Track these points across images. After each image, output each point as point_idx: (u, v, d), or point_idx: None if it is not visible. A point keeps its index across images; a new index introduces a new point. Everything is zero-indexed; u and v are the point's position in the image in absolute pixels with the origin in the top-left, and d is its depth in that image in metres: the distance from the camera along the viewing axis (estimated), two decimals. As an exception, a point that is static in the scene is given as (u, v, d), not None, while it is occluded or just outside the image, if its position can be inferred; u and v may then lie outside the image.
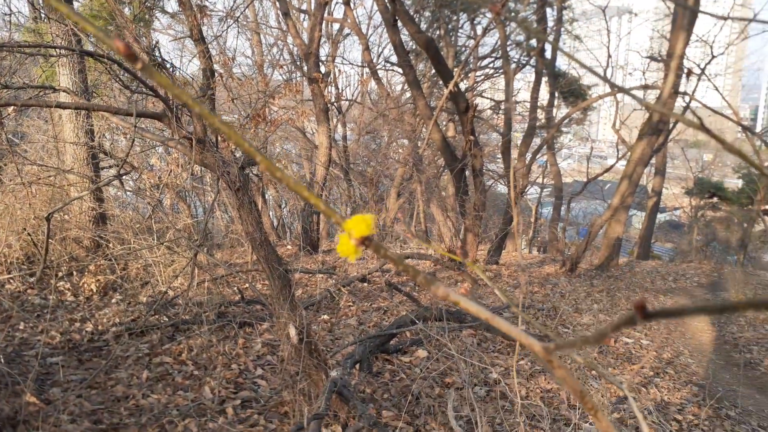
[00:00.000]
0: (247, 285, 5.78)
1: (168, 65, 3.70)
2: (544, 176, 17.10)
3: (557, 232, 14.82)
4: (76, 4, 8.63)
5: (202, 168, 5.62)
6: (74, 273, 6.78)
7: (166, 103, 3.21)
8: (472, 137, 8.86)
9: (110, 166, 8.46)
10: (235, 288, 6.09)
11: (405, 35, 10.08)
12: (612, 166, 13.90)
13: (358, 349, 4.29)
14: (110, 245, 6.79)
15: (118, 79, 3.26)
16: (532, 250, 18.36)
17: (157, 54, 3.49)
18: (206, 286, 5.86)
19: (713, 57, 11.24)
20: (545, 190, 19.30)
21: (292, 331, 3.41)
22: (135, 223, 6.69)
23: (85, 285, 6.42)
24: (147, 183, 7.90)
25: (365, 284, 7.19)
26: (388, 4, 7.46)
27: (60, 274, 6.68)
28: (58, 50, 3.96)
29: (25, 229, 5.94)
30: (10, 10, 7.17)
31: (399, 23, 7.85)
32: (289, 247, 11.20)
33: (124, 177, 8.78)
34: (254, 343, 4.82)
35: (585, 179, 16.04)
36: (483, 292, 8.27)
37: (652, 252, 19.66)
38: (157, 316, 5.51)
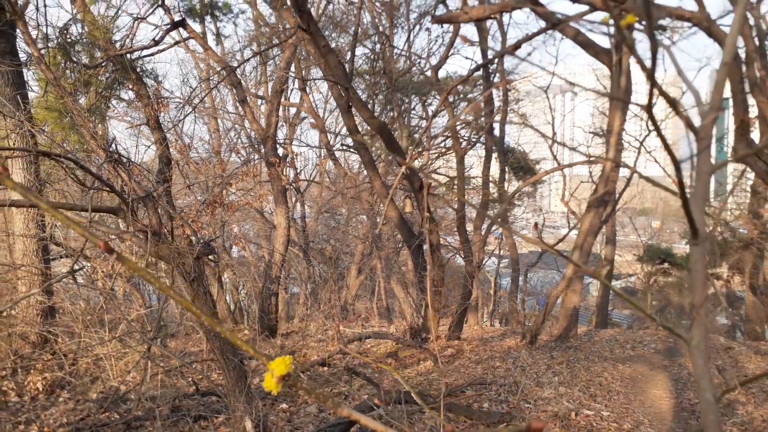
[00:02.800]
0: (201, 376, 5.62)
1: (125, 159, 3.76)
2: (500, 248, 17.45)
3: (516, 303, 14.98)
4: (31, 95, 8.71)
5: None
6: (19, 371, 6.48)
7: (122, 198, 3.24)
8: (427, 214, 9.08)
9: (61, 256, 8.28)
10: (190, 379, 5.91)
11: (360, 118, 10.47)
12: (564, 237, 14.35)
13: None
14: (59, 340, 6.55)
15: (73, 177, 3.29)
16: (494, 322, 18.43)
17: (113, 149, 3.55)
18: (159, 378, 5.67)
19: (649, 132, 12.01)
20: (503, 261, 19.64)
21: (248, 425, 3.33)
22: (86, 315, 6.50)
23: (31, 384, 6.13)
24: (99, 273, 7.74)
25: (325, 368, 7.07)
26: (342, 92, 7.79)
27: (4, 373, 6.37)
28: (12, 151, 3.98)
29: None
30: None
31: (353, 108, 8.18)
32: (246, 332, 10.98)
33: (81, 266, 8.59)
34: (210, 438, 4.64)
35: (540, 250, 16.43)
36: (446, 370, 8.23)
37: (610, 319, 19.98)
38: (107, 414, 5.28)
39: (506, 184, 15.79)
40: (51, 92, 8.15)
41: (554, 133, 13.11)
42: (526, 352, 9.49)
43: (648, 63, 1.02)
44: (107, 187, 3.08)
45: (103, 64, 9.03)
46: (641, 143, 11.39)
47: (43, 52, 6.71)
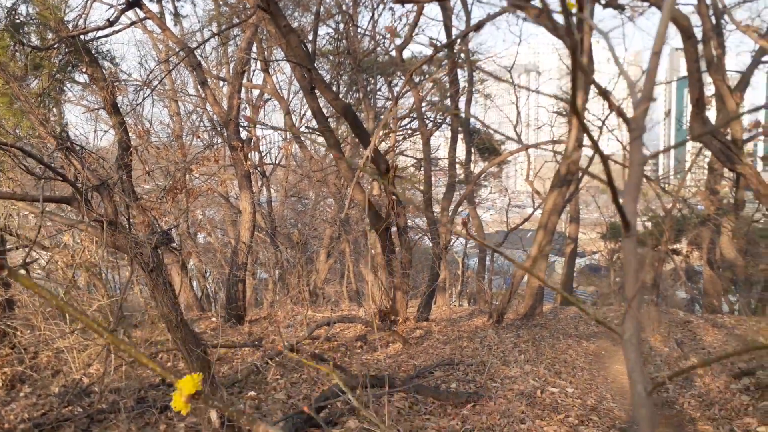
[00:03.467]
0: (169, 364, 5.52)
1: (78, 147, 3.61)
2: (467, 229, 17.60)
3: (483, 283, 15.17)
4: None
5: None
6: (-24, 366, 6.27)
7: (75, 187, 3.12)
8: (394, 196, 9.06)
9: (17, 247, 7.99)
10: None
11: (324, 101, 10.33)
12: (529, 217, 14.55)
13: (287, 426, 4.17)
14: (18, 333, 6.35)
15: (22, 166, 3.14)
16: (462, 302, 18.64)
17: (65, 136, 3.40)
18: (124, 370, 5.56)
19: (611, 111, 12.20)
20: (470, 242, 19.81)
21: (213, 415, 3.29)
22: (44, 307, 6.31)
23: (-11, 379, 5.95)
24: (59, 263, 7.51)
25: (294, 354, 7.03)
26: (304, 73, 7.66)
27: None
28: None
29: None
30: None
31: (317, 90, 8.06)
32: (213, 319, 10.85)
33: (34, 259, 8.31)
34: (177, 428, 4.58)
35: (506, 230, 16.65)
36: (414, 351, 8.29)
37: (575, 296, 20.41)
38: (70, 408, 5.15)
39: (472, 165, 15.88)
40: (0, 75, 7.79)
41: (518, 113, 13.20)
42: (493, 332, 9.63)
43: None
44: (59, 176, 2.95)
45: (55, 46, 8.68)
46: (603, 122, 11.56)
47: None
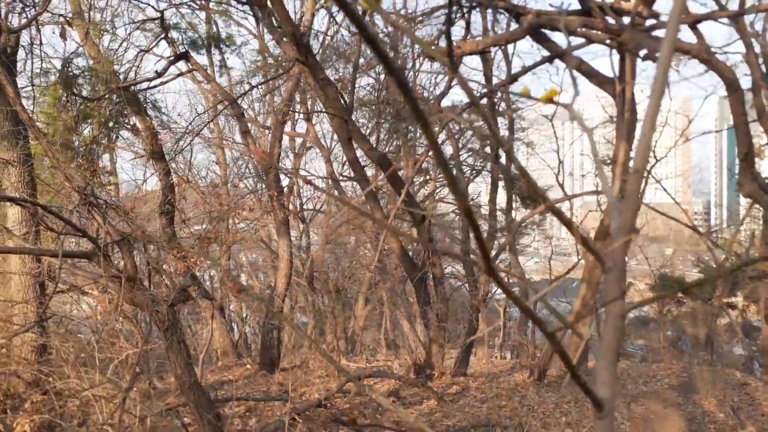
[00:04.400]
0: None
1: (102, 201, 3.65)
2: (509, 278, 17.15)
3: (526, 336, 14.64)
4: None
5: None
6: (8, 411, 6.31)
7: (95, 243, 3.12)
8: (429, 246, 8.90)
9: (58, 292, 8.14)
10: (180, 423, 5.69)
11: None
12: (573, 268, 14.07)
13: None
14: (50, 379, 6.38)
15: (43, 223, 3.18)
16: (505, 354, 18.03)
17: (88, 191, 3.44)
18: (148, 421, 5.47)
19: (657, 160, 11.81)
20: (513, 290, 19.25)
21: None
22: (78, 353, 6.34)
23: (19, 426, 5.95)
24: (99, 308, 7.60)
25: (323, 409, 6.84)
26: (342, 125, 7.70)
27: (-7, 413, 6.21)
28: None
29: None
30: None
31: (354, 141, 8.09)
32: (248, 366, 10.75)
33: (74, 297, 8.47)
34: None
35: (550, 279, 16.12)
36: (449, 410, 7.95)
37: (624, 350, 19.46)
38: (92, 460, 5.08)
39: (513, 213, 15.57)
40: (52, 125, 8.14)
41: (560, 162, 12.94)
42: (533, 390, 9.18)
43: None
44: (79, 232, 2.96)
45: (105, 97, 9.04)
46: (648, 172, 11.17)
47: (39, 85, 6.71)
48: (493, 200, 14.09)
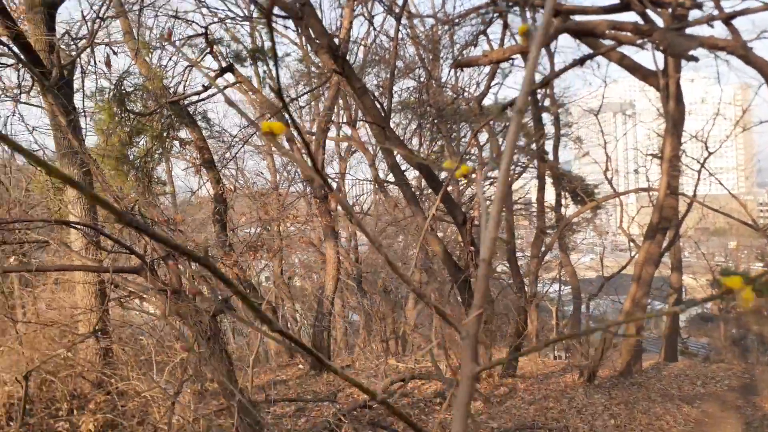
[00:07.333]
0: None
1: (146, 220, 3.90)
2: (560, 275, 16.88)
3: (579, 335, 14.35)
4: (90, 142, 9.22)
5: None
6: (74, 411, 6.74)
7: (142, 259, 3.35)
8: (472, 248, 8.91)
9: (119, 297, 8.62)
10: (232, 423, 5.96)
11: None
12: (626, 265, 13.74)
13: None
14: (112, 381, 6.78)
15: (92, 243, 3.45)
16: (558, 353, 17.72)
17: (135, 211, 3.70)
18: (200, 423, 5.75)
19: (710, 153, 11.39)
20: (564, 288, 18.94)
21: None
22: (138, 356, 6.72)
23: (84, 424, 6.36)
24: (159, 313, 8.01)
25: (366, 410, 6.99)
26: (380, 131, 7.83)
27: (61, 413, 6.64)
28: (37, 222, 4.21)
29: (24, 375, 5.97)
30: (39, 146, 7.78)
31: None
32: (300, 366, 11.05)
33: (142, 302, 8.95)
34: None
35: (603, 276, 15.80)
36: (495, 411, 7.95)
37: (686, 349, 18.80)
38: (150, 459, 5.39)
39: (563, 209, 15.31)
40: (108, 141, 8.63)
41: (608, 158, 12.65)
42: (583, 391, 9.06)
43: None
44: (128, 250, 3.21)
45: (157, 111, 9.49)
46: (702, 165, 10.81)
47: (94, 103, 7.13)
48: (540, 198, 13.90)
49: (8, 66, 4.96)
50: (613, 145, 13.58)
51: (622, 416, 7.44)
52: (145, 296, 7.83)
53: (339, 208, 14.95)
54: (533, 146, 14.25)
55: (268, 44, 10.87)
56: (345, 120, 13.79)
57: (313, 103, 15.31)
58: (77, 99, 7.95)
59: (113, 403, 6.65)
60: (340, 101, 13.02)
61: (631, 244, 13.97)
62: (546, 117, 14.48)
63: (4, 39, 4.17)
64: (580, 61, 4.99)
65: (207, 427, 6.04)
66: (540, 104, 12.98)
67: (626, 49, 8.33)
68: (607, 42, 4.94)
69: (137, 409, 6.73)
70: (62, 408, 6.72)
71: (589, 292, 16.16)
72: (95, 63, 6.95)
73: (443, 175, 9.73)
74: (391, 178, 13.17)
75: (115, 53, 6.56)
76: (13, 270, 3.38)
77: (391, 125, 9.31)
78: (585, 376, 9.66)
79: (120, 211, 2.38)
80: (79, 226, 3.35)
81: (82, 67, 7.80)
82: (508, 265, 11.95)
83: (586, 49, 7.13)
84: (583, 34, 4.33)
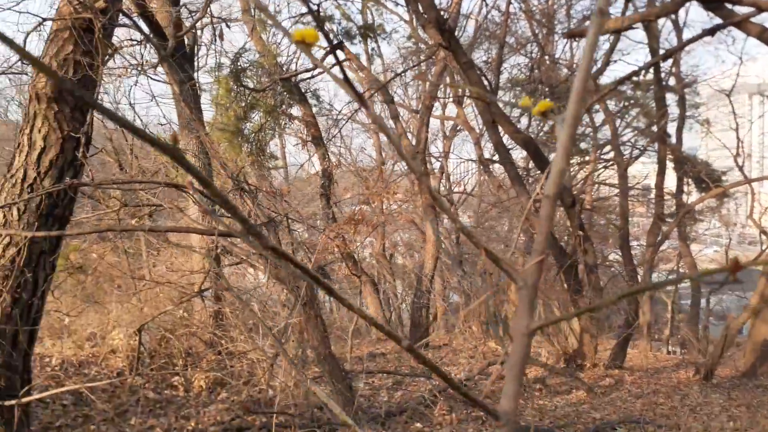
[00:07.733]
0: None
1: (250, 189, 4.05)
2: (678, 266, 15.71)
3: (697, 330, 13.37)
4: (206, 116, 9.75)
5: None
6: (188, 368, 7.24)
7: (245, 223, 3.48)
8: (581, 232, 8.51)
9: (231, 264, 9.17)
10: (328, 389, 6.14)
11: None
12: (756, 258, 12.45)
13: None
14: (223, 342, 7.21)
15: (200, 206, 3.64)
16: (673, 349, 16.60)
17: (241, 179, 3.85)
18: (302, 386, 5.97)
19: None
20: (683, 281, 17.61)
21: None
22: (247, 320, 7.10)
23: (196, 381, 6.82)
24: (267, 279, 8.42)
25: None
26: (485, 107, 7.62)
27: (177, 369, 7.15)
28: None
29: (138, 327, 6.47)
30: (166, 120, 8.39)
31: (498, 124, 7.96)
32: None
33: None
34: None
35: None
36: (599, 402, 7.59)
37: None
38: (254, 418, 5.68)
39: (685, 196, 14.17)
40: (225, 116, 9.10)
41: (740, 141, 11.50)
42: (698, 389, 8.42)
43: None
44: (234, 216, 3.33)
45: (270, 88, 9.85)
46: None
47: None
48: (660, 183, 12.94)
49: (138, 43, 5.34)
50: (747, 128, 12.30)
51: (742, 420, 6.82)
52: (251, 261, 8.23)
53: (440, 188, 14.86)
54: (654, 128, 13.28)
55: (378, 21, 10.90)
56: (451, 98, 13.59)
57: (417, 81, 15.24)
58: (201, 76, 8.47)
59: (223, 363, 7.07)
60: (447, 79, 12.83)
61: (763, 236, 12.68)
62: (670, 97, 13.41)
63: (133, 16, 4.48)
64: (711, 32, 4.55)
65: (306, 392, 6.28)
66: (663, 82, 12.03)
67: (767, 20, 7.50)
68: (744, 10, 4.43)
69: (244, 370, 7.11)
70: (178, 364, 7.23)
71: (709, 284, 14.92)
72: (215, 39, 7.31)
73: (552, 155, 9.33)
74: (496, 157, 12.84)
75: (228, 27, 6.86)
76: (129, 229, 3.65)
77: (499, 105, 9.05)
78: (701, 373, 8.98)
79: (232, 176, 2.46)
80: (185, 189, 3.55)
81: (204, 44, 8.25)
82: (620, 253, 11.29)
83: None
84: (714, 0, 3.91)
